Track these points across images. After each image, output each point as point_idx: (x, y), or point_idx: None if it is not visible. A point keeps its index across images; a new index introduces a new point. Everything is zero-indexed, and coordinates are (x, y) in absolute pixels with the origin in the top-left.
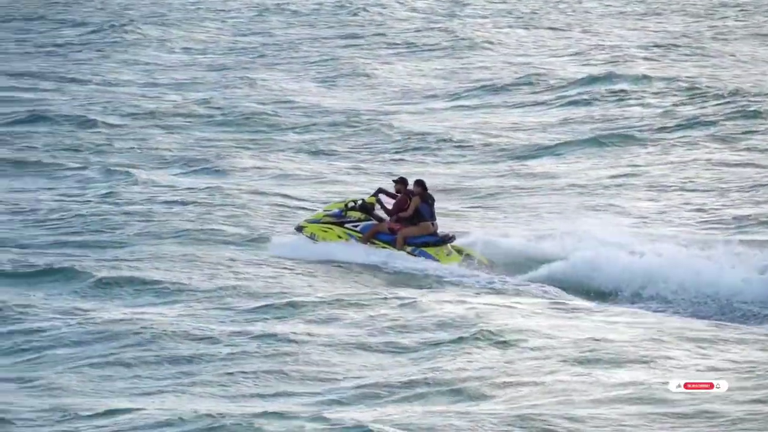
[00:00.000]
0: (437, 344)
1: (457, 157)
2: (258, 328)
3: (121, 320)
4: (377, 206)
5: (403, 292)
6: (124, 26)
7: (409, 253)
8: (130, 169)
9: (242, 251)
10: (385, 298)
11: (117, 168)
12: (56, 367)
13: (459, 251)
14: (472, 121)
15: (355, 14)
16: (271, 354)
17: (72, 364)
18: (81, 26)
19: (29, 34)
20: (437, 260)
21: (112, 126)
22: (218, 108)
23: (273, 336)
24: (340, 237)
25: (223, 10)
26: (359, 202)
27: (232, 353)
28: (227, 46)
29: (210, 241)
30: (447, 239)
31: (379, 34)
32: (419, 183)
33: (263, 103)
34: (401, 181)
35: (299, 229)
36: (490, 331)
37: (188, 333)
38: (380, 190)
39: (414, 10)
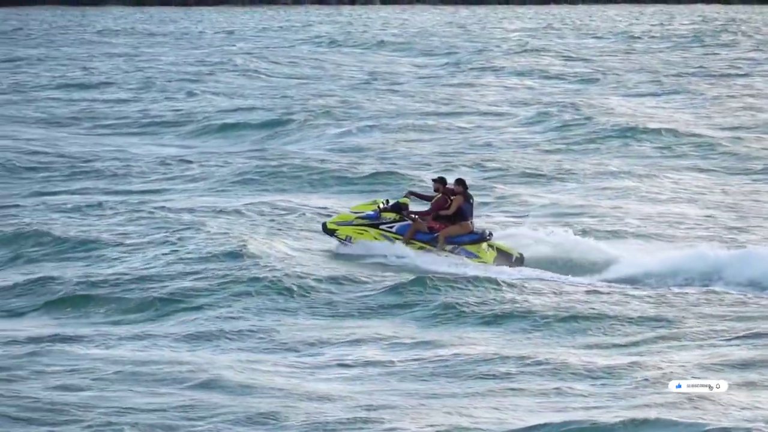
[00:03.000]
0: None
1: None
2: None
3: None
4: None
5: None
6: (479, 56)
7: (449, 251)
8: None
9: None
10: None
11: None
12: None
13: (491, 246)
14: None
15: (699, 43)
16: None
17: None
18: (435, 56)
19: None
20: (478, 256)
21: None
22: (563, 129)
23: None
24: (375, 239)
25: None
26: (384, 202)
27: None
28: (572, 72)
29: (557, 260)
30: (485, 236)
31: (723, 60)
32: (460, 182)
33: (607, 124)
34: (440, 181)
35: (330, 231)
36: None
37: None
38: (411, 192)
39: None
